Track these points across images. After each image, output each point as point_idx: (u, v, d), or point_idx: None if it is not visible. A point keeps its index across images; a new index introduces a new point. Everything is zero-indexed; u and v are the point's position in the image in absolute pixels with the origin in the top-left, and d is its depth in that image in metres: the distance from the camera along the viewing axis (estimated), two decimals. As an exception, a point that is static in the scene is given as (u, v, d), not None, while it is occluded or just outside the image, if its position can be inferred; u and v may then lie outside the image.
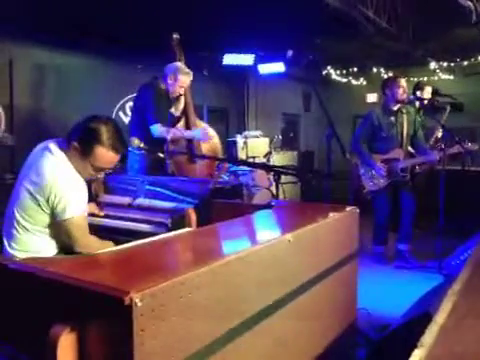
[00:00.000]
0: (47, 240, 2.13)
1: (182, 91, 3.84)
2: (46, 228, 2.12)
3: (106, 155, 2.12)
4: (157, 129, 3.60)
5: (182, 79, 3.77)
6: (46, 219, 2.09)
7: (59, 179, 2.05)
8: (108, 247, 2.07)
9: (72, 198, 2.05)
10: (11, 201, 2.18)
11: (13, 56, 5.00)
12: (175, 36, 3.96)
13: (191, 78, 3.87)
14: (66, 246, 2.13)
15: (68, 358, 1.10)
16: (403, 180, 4.43)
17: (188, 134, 3.79)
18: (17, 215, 2.10)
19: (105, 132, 2.09)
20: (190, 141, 3.82)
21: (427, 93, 4.92)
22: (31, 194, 2.07)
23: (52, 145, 2.15)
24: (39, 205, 2.06)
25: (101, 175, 2.23)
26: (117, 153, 2.16)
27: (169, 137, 3.62)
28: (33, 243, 2.11)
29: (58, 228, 2.10)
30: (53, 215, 2.07)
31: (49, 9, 4.40)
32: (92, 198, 2.71)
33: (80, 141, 2.10)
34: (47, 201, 2.04)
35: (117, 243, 1.99)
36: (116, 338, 1.06)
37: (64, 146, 2.15)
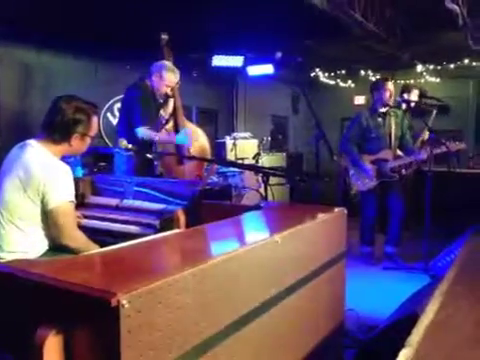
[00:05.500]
0: (35, 237, 2.12)
1: (169, 90, 3.80)
2: (36, 222, 2.11)
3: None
4: (142, 132, 3.56)
5: (168, 77, 3.73)
6: (36, 212, 2.09)
7: (45, 168, 2.09)
8: (93, 247, 2.07)
9: (59, 184, 2.09)
10: None
11: (0, 56, 4.94)
12: (163, 36, 3.94)
13: (178, 77, 3.83)
14: (54, 240, 2.13)
15: (54, 361, 1.09)
16: (392, 181, 4.47)
17: (174, 139, 3.76)
18: (3, 212, 2.09)
19: (84, 120, 2.24)
20: (179, 142, 3.80)
21: (414, 95, 4.97)
22: (18, 188, 2.08)
23: (30, 141, 2.21)
24: (28, 197, 2.07)
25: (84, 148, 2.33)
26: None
27: (156, 140, 3.60)
28: (21, 241, 2.10)
29: (47, 218, 2.10)
30: (42, 204, 2.08)
31: (36, 9, 4.36)
32: (79, 199, 2.69)
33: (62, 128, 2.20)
34: (37, 191, 2.06)
35: (104, 245, 1.98)
36: (103, 340, 1.05)
37: (42, 137, 2.21)
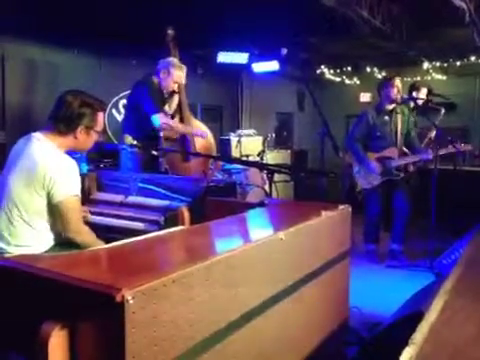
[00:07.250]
0: (42, 230, 2.13)
1: (176, 87, 3.81)
2: (42, 216, 2.12)
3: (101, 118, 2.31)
4: (158, 119, 3.56)
5: (176, 73, 3.74)
6: (42, 205, 2.10)
7: (51, 161, 2.09)
8: (99, 243, 2.08)
9: (65, 178, 2.09)
10: None
11: (5, 52, 4.96)
12: (169, 31, 3.95)
13: (185, 73, 3.85)
14: (60, 234, 2.14)
15: (59, 356, 1.10)
16: (397, 179, 4.45)
17: (189, 129, 3.77)
18: (10, 206, 2.10)
19: (89, 113, 2.22)
20: (184, 139, 3.80)
21: (423, 94, 4.94)
22: (24, 181, 2.08)
23: (36, 133, 2.20)
24: (34, 191, 2.07)
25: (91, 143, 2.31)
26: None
27: (171, 127, 3.60)
28: (27, 235, 2.10)
29: (53, 212, 2.11)
30: (48, 198, 2.08)
31: (42, 5, 4.36)
32: (84, 195, 2.70)
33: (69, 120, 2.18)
34: (42, 185, 2.06)
35: (109, 241, 1.99)
36: (107, 335, 1.06)
37: (47, 130, 2.20)
